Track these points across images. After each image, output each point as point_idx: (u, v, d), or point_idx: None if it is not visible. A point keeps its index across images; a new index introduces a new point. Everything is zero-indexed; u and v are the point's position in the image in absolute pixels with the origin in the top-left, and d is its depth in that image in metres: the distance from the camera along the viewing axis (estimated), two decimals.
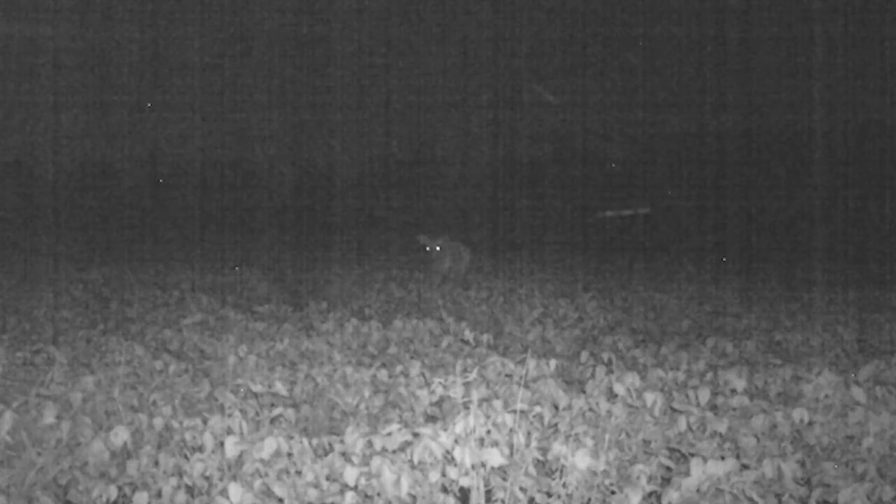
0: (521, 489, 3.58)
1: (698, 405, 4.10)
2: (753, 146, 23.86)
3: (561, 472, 3.57)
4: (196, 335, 6.22)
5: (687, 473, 3.37)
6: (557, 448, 3.56)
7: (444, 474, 3.52)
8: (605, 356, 5.06)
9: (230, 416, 3.80)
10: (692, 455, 3.61)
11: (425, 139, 25.93)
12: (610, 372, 4.43)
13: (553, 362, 4.57)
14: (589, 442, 3.58)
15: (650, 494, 3.63)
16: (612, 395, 4.10)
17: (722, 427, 3.84)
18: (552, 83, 25.18)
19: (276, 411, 3.96)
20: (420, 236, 11.13)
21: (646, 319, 7.83)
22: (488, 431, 3.61)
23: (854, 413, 3.96)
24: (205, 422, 3.72)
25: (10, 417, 3.79)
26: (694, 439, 3.87)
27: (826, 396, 4.16)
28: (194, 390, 4.73)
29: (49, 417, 3.92)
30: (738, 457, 3.64)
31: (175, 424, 3.82)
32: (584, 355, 5.13)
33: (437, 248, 10.75)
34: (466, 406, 3.76)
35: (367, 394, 4.62)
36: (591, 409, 4.00)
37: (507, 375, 4.61)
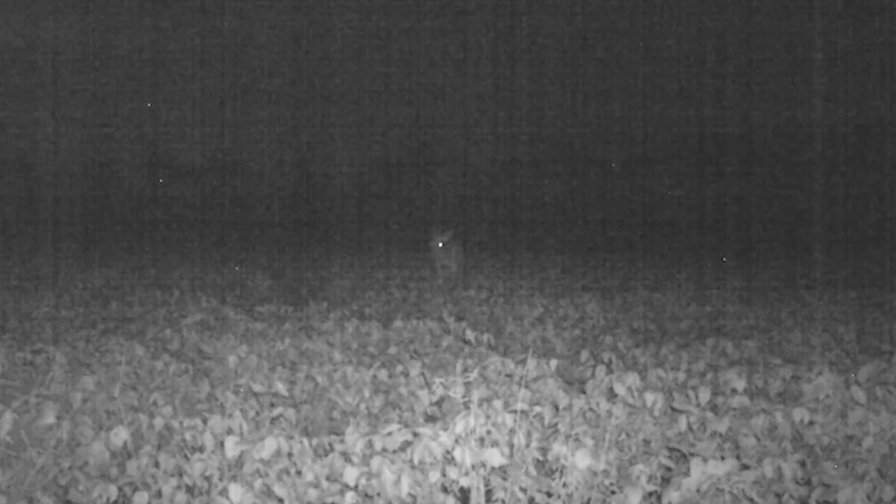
0: (521, 489, 3.58)
1: (698, 405, 4.09)
2: (754, 146, 23.85)
3: (561, 472, 3.57)
4: (196, 335, 6.22)
5: (687, 473, 3.37)
6: (557, 448, 3.56)
7: (444, 474, 3.52)
8: (605, 356, 5.06)
9: (230, 416, 3.79)
10: (692, 455, 3.60)
11: (425, 139, 25.92)
12: (610, 372, 4.43)
13: (553, 362, 4.57)
14: (589, 442, 3.58)
15: (650, 494, 3.63)
16: (612, 395, 4.09)
17: (722, 427, 3.84)
18: (552, 82, 25.17)
19: (277, 411, 3.96)
20: (430, 237, 11.16)
21: (646, 319, 7.83)
22: (488, 431, 3.61)
23: (854, 413, 3.96)
24: (205, 422, 3.72)
25: (10, 417, 3.79)
26: (694, 439, 3.87)
27: (826, 396, 4.16)
28: (194, 390, 4.73)
29: (49, 417, 3.92)
30: (738, 457, 3.64)
31: (175, 424, 3.82)
32: (584, 355, 5.12)
33: (441, 244, 10.79)
34: (466, 406, 3.76)
35: (367, 394, 4.62)
36: (591, 409, 4.00)
37: (507, 375, 4.61)
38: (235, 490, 3.29)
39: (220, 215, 22.22)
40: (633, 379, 4.13)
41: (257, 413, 4.21)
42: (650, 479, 3.52)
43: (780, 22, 23.17)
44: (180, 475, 3.52)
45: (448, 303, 8.59)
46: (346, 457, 3.52)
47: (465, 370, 4.54)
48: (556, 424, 3.91)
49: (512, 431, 3.63)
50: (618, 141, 25.14)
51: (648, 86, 24.67)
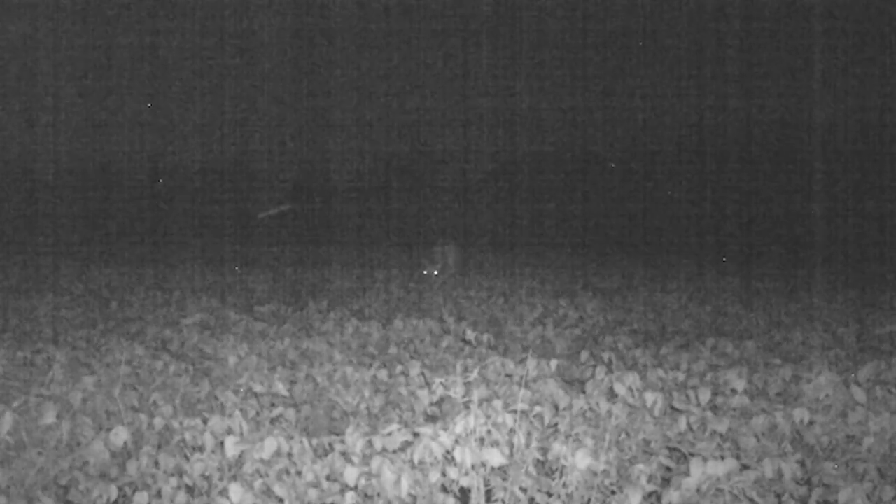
0: (521, 489, 3.58)
1: (698, 405, 4.09)
2: (754, 146, 23.85)
3: (561, 472, 3.57)
4: (196, 335, 6.22)
5: (687, 473, 3.37)
6: (557, 448, 3.56)
7: (444, 474, 3.52)
8: (605, 356, 5.06)
9: (230, 416, 3.79)
10: (692, 455, 3.60)
11: (425, 140, 25.90)
12: (610, 372, 4.42)
13: (553, 362, 4.56)
14: (589, 442, 3.58)
15: (650, 494, 3.62)
16: (612, 395, 4.09)
17: (722, 427, 3.83)
18: (552, 82, 25.17)
19: (277, 411, 3.95)
20: (425, 264, 10.96)
21: (646, 319, 7.83)
22: (488, 431, 3.60)
23: (854, 413, 3.96)
24: (205, 422, 3.72)
25: (10, 417, 3.79)
26: (694, 439, 3.87)
27: (826, 396, 4.16)
28: (194, 390, 4.73)
29: (49, 417, 3.92)
30: (738, 457, 3.63)
31: (175, 424, 3.82)
32: (584, 355, 5.12)
33: (436, 270, 10.49)
34: (466, 406, 3.76)
35: (367, 394, 4.62)
36: (591, 409, 4.00)
37: (507, 375, 4.60)
38: (236, 490, 3.29)
39: (221, 216, 22.22)
40: (633, 379, 4.12)
41: (257, 413, 4.21)
42: (650, 479, 3.52)
43: (781, 22, 23.17)
44: (180, 475, 3.52)
45: (448, 303, 8.58)
46: (346, 457, 3.51)
47: (466, 370, 4.54)
48: (556, 424, 3.90)
49: (512, 431, 3.63)
50: (618, 142, 25.12)
51: (649, 87, 24.67)
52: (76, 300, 8.62)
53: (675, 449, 3.89)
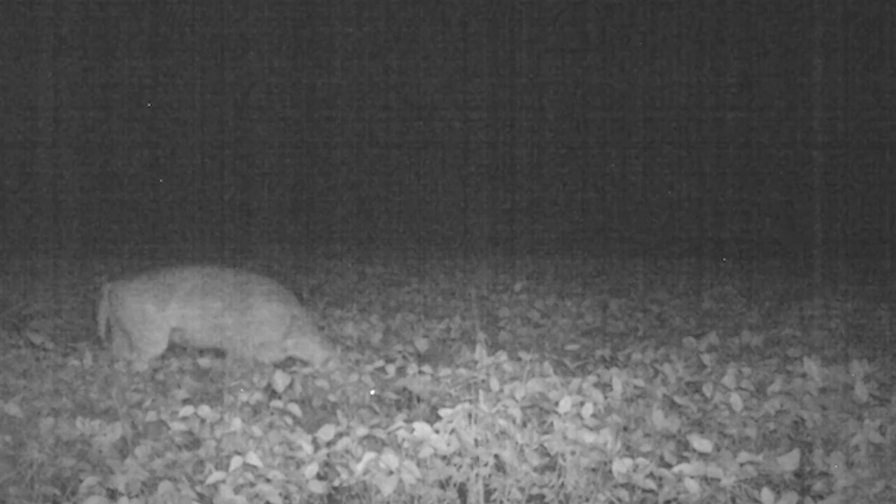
0: (519, 488, 3.58)
1: (699, 401, 4.09)
2: (753, 144, 23.87)
3: (560, 470, 3.57)
4: None
5: (687, 469, 3.36)
6: (557, 446, 3.56)
7: (442, 472, 3.52)
8: (605, 354, 5.06)
9: (230, 411, 3.80)
10: (692, 451, 3.59)
11: (425, 137, 25.89)
12: (609, 369, 4.43)
13: (553, 360, 4.57)
14: (588, 439, 3.58)
15: (650, 493, 3.61)
16: (611, 392, 4.09)
17: (722, 422, 3.84)
18: (552, 84, 25.18)
19: (276, 405, 3.94)
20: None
21: (646, 318, 7.83)
22: (488, 429, 3.61)
23: (853, 411, 3.96)
24: (204, 419, 3.72)
25: (10, 414, 3.79)
26: (694, 434, 3.86)
27: (824, 392, 4.16)
28: (195, 387, 4.73)
29: (49, 414, 3.93)
30: (738, 452, 3.63)
31: (174, 420, 3.82)
32: (584, 353, 5.13)
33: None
34: (466, 403, 3.76)
35: (366, 391, 4.62)
36: (591, 406, 3.99)
37: (507, 373, 4.60)
38: (233, 486, 3.28)
39: (220, 214, 22.24)
40: (632, 377, 4.13)
41: (257, 410, 4.21)
42: (650, 475, 3.51)
43: (782, 25, 23.19)
44: (178, 469, 3.52)
45: (448, 301, 8.59)
46: (345, 454, 3.51)
47: (465, 368, 4.55)
48: (556, 423, 3.90)
49: (512, 429, 3.63)
50: (617, 140, 25.11)
51: (648, 85, 24.67)
52: (78, 297, 8.62)
53: (676, 444, 3.88)
